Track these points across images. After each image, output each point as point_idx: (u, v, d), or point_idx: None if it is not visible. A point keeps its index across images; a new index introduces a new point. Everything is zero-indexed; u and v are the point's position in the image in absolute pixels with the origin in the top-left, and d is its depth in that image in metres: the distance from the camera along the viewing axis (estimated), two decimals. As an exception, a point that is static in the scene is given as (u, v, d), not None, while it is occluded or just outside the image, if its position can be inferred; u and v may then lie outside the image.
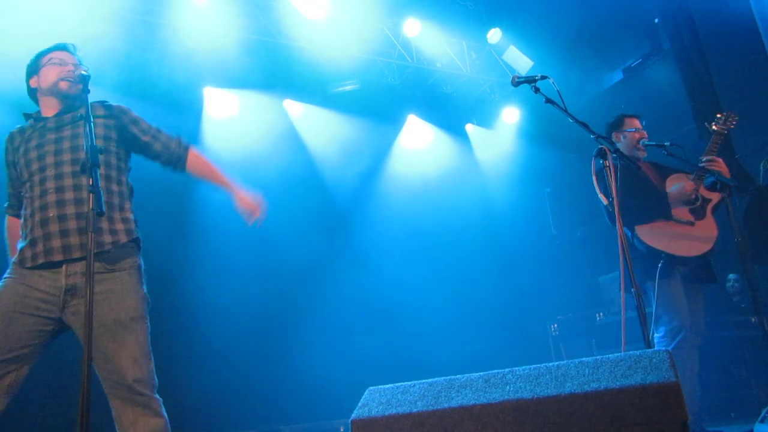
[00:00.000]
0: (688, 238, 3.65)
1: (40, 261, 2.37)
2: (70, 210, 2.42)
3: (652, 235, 3.61)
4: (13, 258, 2.46)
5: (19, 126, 2.63)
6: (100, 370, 2.38)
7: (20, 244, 2.45)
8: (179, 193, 6.07)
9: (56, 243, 2.38)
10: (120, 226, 2.51)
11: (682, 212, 3.72)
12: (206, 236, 6.09)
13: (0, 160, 2.65)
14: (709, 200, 3.76)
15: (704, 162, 3.69)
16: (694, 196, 3.72)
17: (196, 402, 5.34)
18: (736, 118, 3.73)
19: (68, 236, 2.39)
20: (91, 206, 2.14)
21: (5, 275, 2.43)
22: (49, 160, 2.49)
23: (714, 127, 3.76)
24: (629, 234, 3.76)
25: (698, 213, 3.73)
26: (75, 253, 2.39)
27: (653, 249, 3.57)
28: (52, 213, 2.41)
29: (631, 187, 3.59)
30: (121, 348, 2.37)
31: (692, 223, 3.68)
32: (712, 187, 3.76)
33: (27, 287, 2.36)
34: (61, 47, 2.66)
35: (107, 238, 2.44)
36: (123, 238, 2.50)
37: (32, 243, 2.41)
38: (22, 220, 2.51)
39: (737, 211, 4.91)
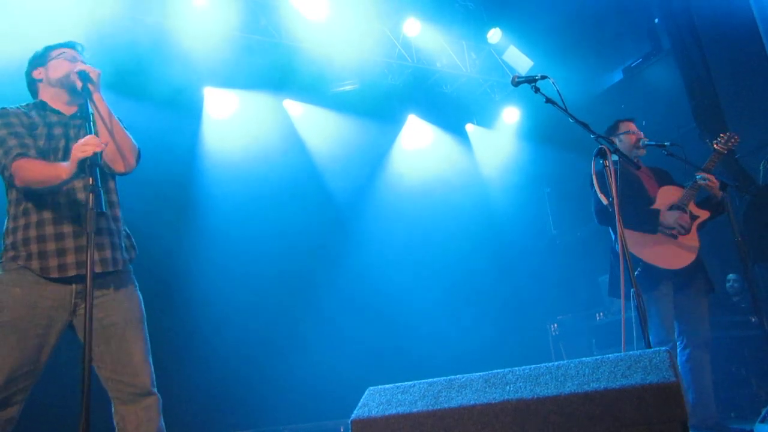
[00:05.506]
0: (669, 250, 3.66)
1: (71, 273, 2.34)
2: (102, 224, 2.49)
3: (633, 243, 3.60)
4: (11, 255, 2.35)
5: (15, 106, 2.53)
6: (106, 371, 2.38)
7: (34, 248, 2.35)
8: (180, 194, 6.08)
9: (83, 257, 2.38)
10: (128, 242, 2.63)
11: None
12: (206, 237, 6.08)
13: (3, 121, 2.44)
14: (697, 216, 3.77)
15: (700, 178, 3.71)
16: (687, 228, 3.71)
17: (196, 402, 5.34)
18: (738, 139, 3.81)
19: (102, 251, 2.46)
20: (91, 205, 2.14)
21: (3, 278, 2.32)
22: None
23: (715, 146, 3.81)
24: (612, 236, 3.78)
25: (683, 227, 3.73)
26: (108, 267, 2.45)
27: (632, 256, 3.56)
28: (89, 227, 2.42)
29: (622, 192, 3.60)
30: (134, 347, 2.43)
31: (675, 237, 3.69)
32: (702, 205, 3.78)
33: (38, 296, 2.32)
34: (72, 45, 2.67)
35: (129, 254, 2.58)
36: (133, 254, 2.63)
37: (60, 253, 2.35)
38: (26, 219, 2.39)
39: (737, 211, 4.92)
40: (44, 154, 2.44)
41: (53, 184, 2.32)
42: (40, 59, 2.62)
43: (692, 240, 3.72)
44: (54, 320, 2.35)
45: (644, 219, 3.71)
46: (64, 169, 2.25)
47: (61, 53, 2.60)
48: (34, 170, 2.31)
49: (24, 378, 2.28)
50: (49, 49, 2.64)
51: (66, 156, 2.46)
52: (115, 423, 2.40)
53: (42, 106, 2.57)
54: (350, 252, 7.02)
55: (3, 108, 2.49)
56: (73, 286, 2.38)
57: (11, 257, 2.35)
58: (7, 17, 4.93)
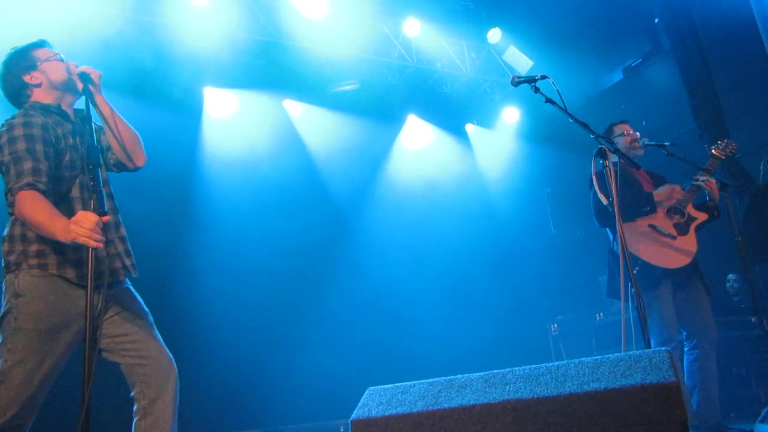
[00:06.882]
0: (667, 249, 3.66)
1: (106, 280, 2.35)
2: (121, 232, 2.56)
3: (632, 242, 3.60)
4: (36, 262, 2.30)
5: (36, 112, 2.43)
6: (129, 358, 2.42)
7: (70, 256, 2.34)
8: (180, 194, 6.08)
9: (117, 263, 2.47)
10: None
11: (665, 224, 3.72)
12: (206, 237, 6.09)
13: (34, 135, 2.33)
14: (695, 218, 3.77)
15: (699, 180, 3.71)
16: (677, 199, 3.73)
17: (196, 402, 5.32)
18: (735, 147, 3.84)
19: (129, 257, 2.55)
20: (92, 208, 2.16)
21: (35, 284, 2.28)
22: (83, 178, 2.44)
23: (714, 151, 3.83)
24: (610, 237, 3.78)
25: (681, 228, 3.73)
26: (135, 271, 2.56)
27: (630, 255, 3.55)
28: (110, 235, 2.44)
29: (622, 192, 3.59)
30: (153, 331, 2.53)
31: (674, 237, 3.69)
32: (700, 207, 3.79)
33: (70, 303, 2.32)
34: (44, 43, 2.59)
35: (132, 259, 2.60)
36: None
37: (96, 261, 2.28)
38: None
39: (737, 211, 4.92)
40: (70, 170, 2.41)
41: (42, 234, 2.25)
42: (26, 62, 2.51)
43: (690, 241, 3.72)
44: (83, 327, 2.33)
45: (639, 203, 3.71)
46: (60, 233, 2.13)
47: (51, 55, 2.55)
48: (33, 214, 2.19)
49: (49, 385, 2.30)
50: (28, 50, 2.54)
51: (83, 167, 2.46)
52: (138, 408, 2.38)
53: (59, 111, 2.51)
54: (350, 252, 7.03)
55: (27, 114, 2.39)
56: (102, 292, 2.36)
57: (37, 264, 2.29)
58: (6, 18, 4.92)
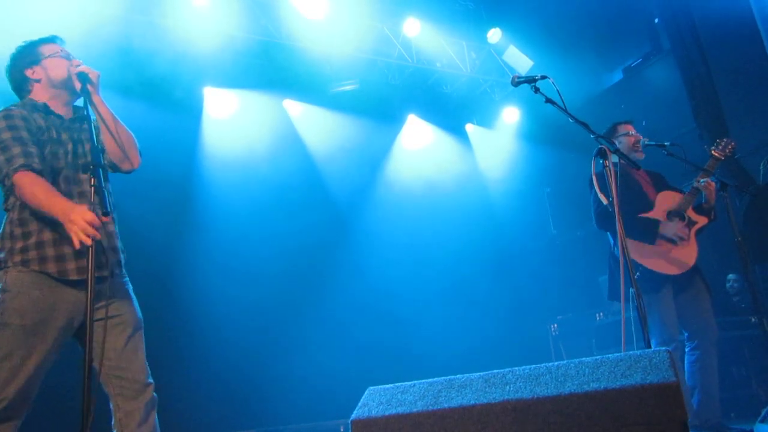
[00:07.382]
0: (666, 256, 3.66)
1: (95, 274, 2.30)
2: (110, 228, 2.50)
3: (632, 249, 3.57)
4: (20, 259, 2.29)
5: (18, 107, 2.45)
6: (109, 368, 2.37)
7: (50, 252, 2.32)
8: (180, 194, 6.08)
9: (103, 259, 2.39)
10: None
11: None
12: (206, 236, 6.09)
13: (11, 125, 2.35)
14: (695, 222, 3.76)
15: (698, 182, 3.71)
16: (685, 238, 3.72)
17: (196, 402, 5.34)
18: (734, 146, 3.83)
19: (117, 252, 2.51)
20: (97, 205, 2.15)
21: (20, 279, 2.28)
22: (68, 172, 2.43)
23: (713, 152, 3.82)
24: (611, 241, 3.78)
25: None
26: (123, 267, 2.52)
27: (631, 260, 3.54)
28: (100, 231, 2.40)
29: (622, 194, 3.59)
30: (140, 345, 2.47)
31: (675, 242, 3.69)
32: (699, 211, 3.78)
33: (57, 298, 2.31)
34: (55, 39, 2.59)
35: (119, 255, 2.55)
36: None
37: (78, 255, 2.31)
38: (38, 223, 2.32)
39: (737, 211, 4.92)
40: (51, 161, 2.39)
41: (45, 215, 2.26)
42: (30, 57, 2.52)
43: (691, 246, 3.72)
44: (71, 322, 2.34)
45: (643, 229, 3.70)
46: (60, 214, 2.18)
47: (55, 51, 2.54)
48: (33, 195, 2.24)
49: (39, 380, 2.29)
50: (35, 44, 2.55)
51: (74, 162, 2.45)
52: (115, 420, 2.37)
53: (45, 110, 2.50)
54: (350, 252, 7.02)
55: (7, 108, 2.41)
56: (88, 286, 2.36)
57: (21, 261, 2.29)
58: (4, 14, 4.92)
